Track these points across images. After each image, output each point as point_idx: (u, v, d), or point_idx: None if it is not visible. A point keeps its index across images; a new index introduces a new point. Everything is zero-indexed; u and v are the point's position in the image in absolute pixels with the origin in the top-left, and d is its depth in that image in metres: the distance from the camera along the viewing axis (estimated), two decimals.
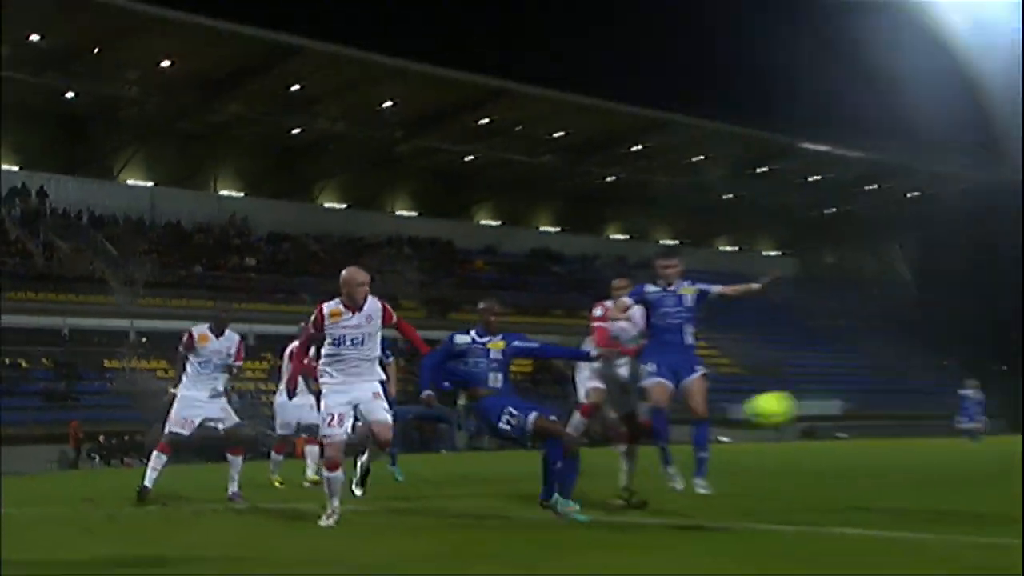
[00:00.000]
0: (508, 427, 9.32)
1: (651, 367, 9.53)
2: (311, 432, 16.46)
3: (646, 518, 9.43)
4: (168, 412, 13.04)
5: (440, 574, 6.77)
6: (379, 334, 9.76)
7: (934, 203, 70.31)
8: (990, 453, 26.02)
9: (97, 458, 35.44)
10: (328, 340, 9.61)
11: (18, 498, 15.45)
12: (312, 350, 11.68)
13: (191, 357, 12.85)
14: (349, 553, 8.07)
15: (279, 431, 17.07)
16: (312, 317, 9.84)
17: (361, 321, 9.54)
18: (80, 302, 45.05)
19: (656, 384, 9.41)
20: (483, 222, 66.18)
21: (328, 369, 9.64)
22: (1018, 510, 8.41)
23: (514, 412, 9.27)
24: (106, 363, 42.33)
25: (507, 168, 63.09)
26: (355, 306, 9.50)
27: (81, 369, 40.88)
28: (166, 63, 47.30)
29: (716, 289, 9.66)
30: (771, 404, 9.26)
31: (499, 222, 67.06)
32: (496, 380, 9.56)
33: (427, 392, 9.58)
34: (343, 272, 9.82)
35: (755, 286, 9.77)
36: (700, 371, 9.64)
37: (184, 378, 13.00)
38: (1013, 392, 57.43)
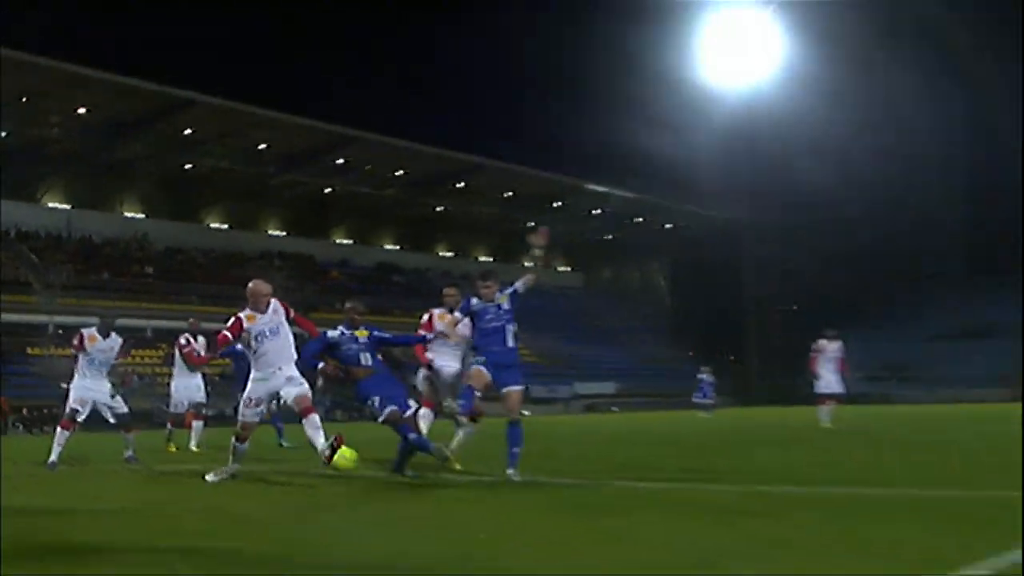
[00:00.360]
0: (369, 410, 10.61)
1: (479, 359, 10.05)
2: (197, 408, 18.47)
3: (468, 476, 10.28)
4: (66, 398, 14.17)
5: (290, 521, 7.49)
6: (286, 327, 10.75)
7: (684, 233, 79.69)
8: (720, 422, 29.59)
9: (21, 427, 37.62)
10: (252, 340, 10.51)
11: None
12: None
13: (80, 355, 14.02)
14: (228, 503, 8.91)
15: (172, 408, 18.44)
16: (230, 323, 10.62)
17: (270, 317, 10.58)
18: (9, 301, 47.32)
19: (476, 369, 9.97)
20: (339, 241, 70.76)
21: (254, 366, 10.60)
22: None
23: (375, 404, 10.41)
24: (29, 351, 45.64)
25: (358, 199, 67.48)
26: (261, 310, 10.55)
27: (9, 355, 43.39)
28: (83, 110, 50.68)
29: (519, 286, 10.08)
30: (347, 456, 9.74)
31: (351, 241, 71.48)
32: (366, 359, 10.72)
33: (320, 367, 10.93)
34: (250, 284, 10.83)
35: (530, 265, 10.20)
36: (520, 385, 10.04)
37: (76, 372, 14.14)
38: (740, 376, 69.85)
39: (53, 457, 13.72)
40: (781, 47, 65.47)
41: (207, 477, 10.48)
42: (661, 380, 65.32)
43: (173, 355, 19.01)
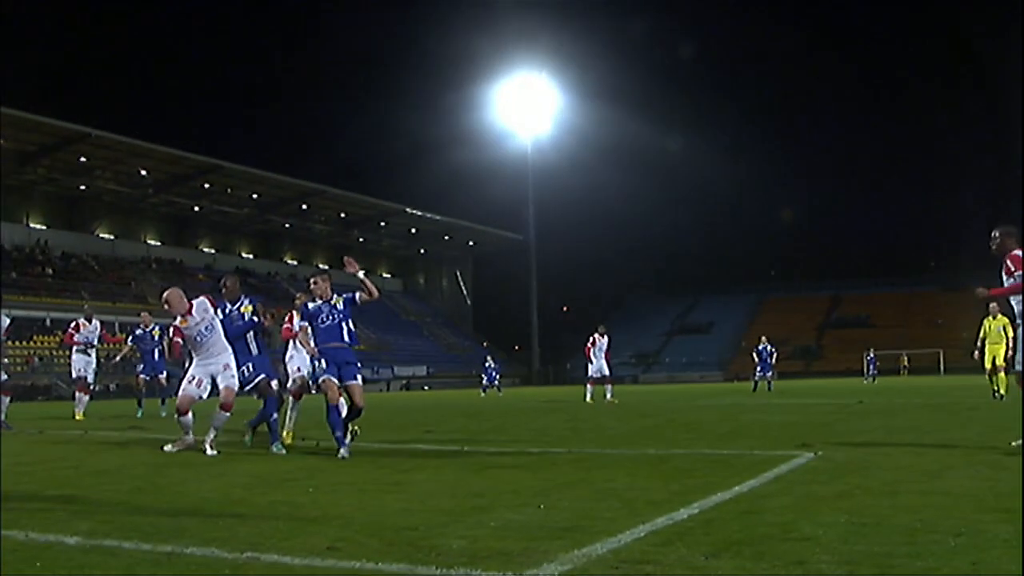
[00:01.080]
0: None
1: (321, 364, 9.64)
2: (84, 383, 19.15)
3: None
4: None
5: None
6: (217, 322, 10.43)
7: (482, 249, 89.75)
8: (504, 399, 31.27)
9: None
10: (192, 340, 10.26)
11: None
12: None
13: None
14: (90, 459, 9.33)
15: (74, 381, 19.55)
16: (171, 332, 10.73)
17: (198, 318, 10.28)
18: None
19: (326, 379, 9.50)
20: (204, 249, 75.55)
21: (196, 356, 10.39)
22: None
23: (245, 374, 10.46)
24: None
25: (222, 215, 73.25)
26: (187, 312, 10.24)
27: None
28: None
29: (356, 296, 9.58)
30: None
31: (214, 250, 76.09)
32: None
33: None
34: (168, 294, 10.44)
35: (359, 278, 9.60)
36: (359, 377, 9.66)
37: None
38: (524, 363, 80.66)
39: None
40: (557, 104, 77.36)
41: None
42: (462, 365, 71.74)
43: (72, 336, 19.41)
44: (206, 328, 10.38)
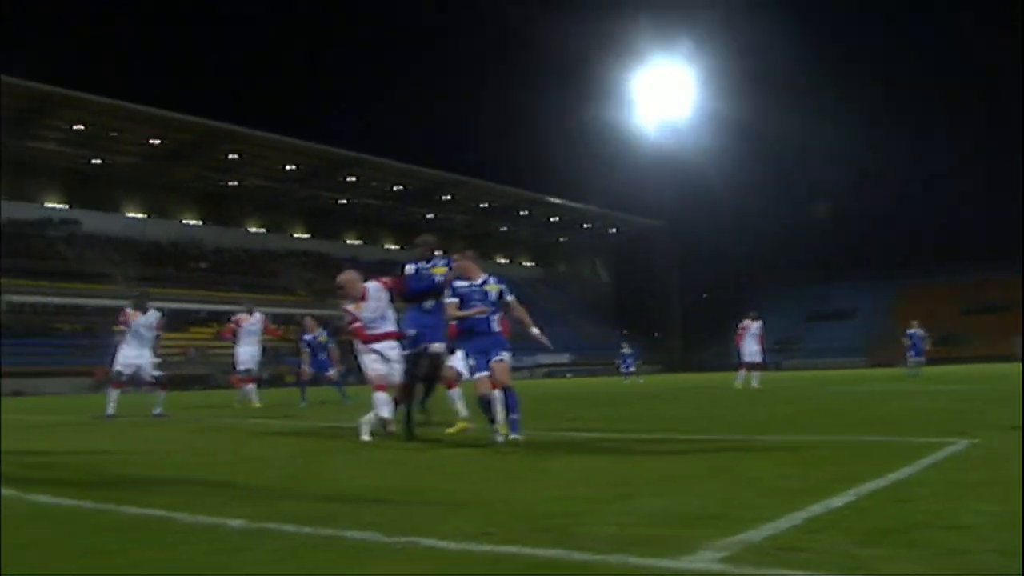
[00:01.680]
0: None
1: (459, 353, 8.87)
2: (249, 374, 19.53)
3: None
4: (111, 363, 15.55)
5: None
6: (389, 310, 9.87)
7: (623, 236, 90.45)
8: (645, 386, 31.62)
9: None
10: (367, 326, 9.61)
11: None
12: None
13: (125, 329, 15.38)
14: (247, 448, 9.45)
15: (238, 369, 19.62)
16: (348, 319, 9.80)
17: (373, 304, 9.68)
18: (97, 289, 54.92)
19: (479, 377, 8.69)
20: (349, 241, 78.39)
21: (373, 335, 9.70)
22: None
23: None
24: (114, 328, 52.58)
25: (365, 208, 76.02)
26: (361, 297, 9.69)
27: (101, 332, 42.22)
28: (155, 141, 58.88)
29: (512, 300, 9.10)
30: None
31: (360, 241, 79.16)
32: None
33: None
34: (343, 278, 9.85)
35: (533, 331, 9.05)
36: (504, 354, 8.80)
37: (122, 342, 15.41)
38: (664, 350, 79.96)
39: (109, 411, 15.09)
40: (695, 88, 76.38)
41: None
42: (602, 352, 71.23)
43: (234, 329, 19.79)
44: (380, 317, 9.91)
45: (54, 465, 8.46)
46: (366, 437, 9.45)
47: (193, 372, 50.29)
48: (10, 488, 6.40)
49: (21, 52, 62.48)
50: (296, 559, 4.02)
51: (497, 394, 8.90)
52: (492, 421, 8.78)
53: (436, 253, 10.46)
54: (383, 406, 9.73)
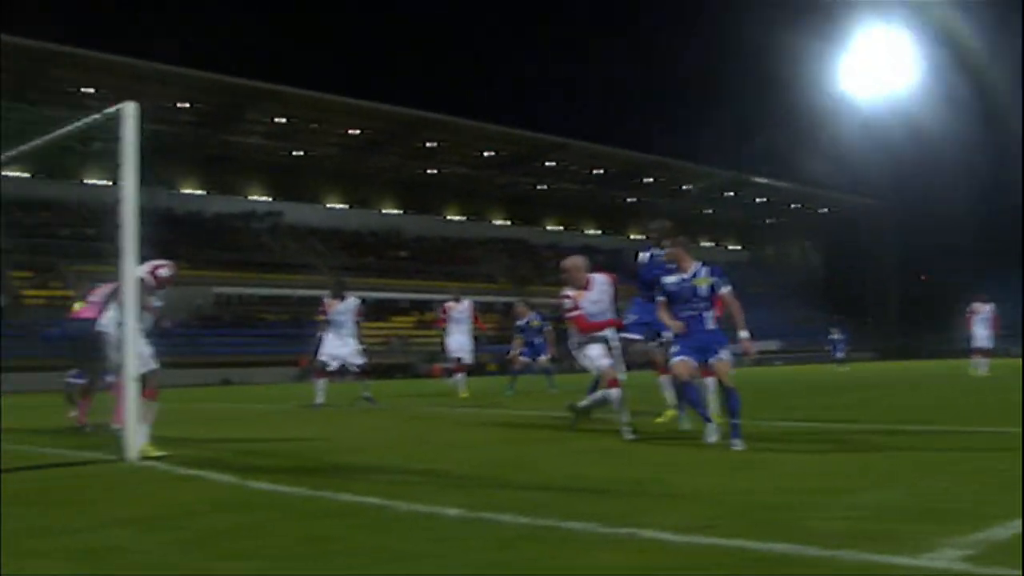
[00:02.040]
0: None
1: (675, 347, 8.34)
2: (460, 363, 19.63)
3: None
4: (316, 353, 16.14)
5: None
6: (610, 310, 9.43)
7: (835, 217, 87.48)
8: (854, 373, 31.76)
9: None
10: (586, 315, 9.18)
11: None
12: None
13: (326, 318, 16.08)
14: (449, 435, 9.41)
15: (448, 357, 20.30)
16: (568, 306, 9.35)
17: (595, 297, 9.26)
18: (302, 280, 55.11)
19: (679, 361, 8.22)
20: (549, 228, 78.61)
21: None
22: None
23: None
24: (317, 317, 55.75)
25: (565, 193, 76.15)
26: (584, 286, 9.36)
27: (305, 321, 43.35)
28: (355, 131, 61.21)
29: (728, 296, 8.54)
30: None
31: (561, 227, 79.41)
32: None
33: None
34: (568, 263, 9.49)
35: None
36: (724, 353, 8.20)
37: (325, 331, 16.03)
38: (879, 336, 77.40)
39: (318, 399, 15.54)
40: (913, 60, 72.22)
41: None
42: (813, 337, 67.58)
43: (444, 318, 20.16)
44: (600, 312, 9.43)
45: (270, 452, 8.79)
46: (630, 436, 8.83)
47: (395, 361, 51.57)
48: (230, 475, 6.73)
49: (222, 49, 65.14)
50: (514, 549, 4.05)
51: (709, 382, 8.71)
52: (704, 418, 8.46)
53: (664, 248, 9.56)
54: (618, 402, 9.25)
